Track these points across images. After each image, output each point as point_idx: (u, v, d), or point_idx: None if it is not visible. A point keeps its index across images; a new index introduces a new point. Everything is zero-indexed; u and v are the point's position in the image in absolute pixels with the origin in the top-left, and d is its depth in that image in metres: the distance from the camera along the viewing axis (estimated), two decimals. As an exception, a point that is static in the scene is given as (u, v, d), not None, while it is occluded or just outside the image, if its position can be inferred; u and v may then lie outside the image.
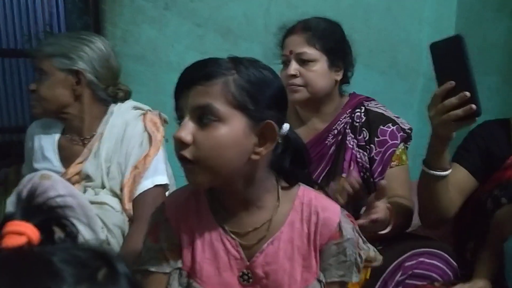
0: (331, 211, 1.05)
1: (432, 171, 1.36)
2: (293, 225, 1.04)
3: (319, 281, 1.04)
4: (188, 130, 0.92)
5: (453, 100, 1.21)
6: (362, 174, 1.57)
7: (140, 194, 1.55)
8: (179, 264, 1.05)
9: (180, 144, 0.92)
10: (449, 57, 1.23)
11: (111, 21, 2.13)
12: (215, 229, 1.04)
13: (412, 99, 2.60)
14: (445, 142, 1.31)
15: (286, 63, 1.58)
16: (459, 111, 1.20)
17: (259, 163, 0.99)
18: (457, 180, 1.44)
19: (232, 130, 0.93)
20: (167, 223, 1.05)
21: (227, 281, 1.04)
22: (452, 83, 1.21)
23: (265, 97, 0.96)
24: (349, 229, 1.05)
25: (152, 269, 1.05)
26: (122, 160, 1.58)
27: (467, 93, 1.18)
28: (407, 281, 1.38)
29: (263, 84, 0.96)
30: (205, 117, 0.92)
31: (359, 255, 1.07)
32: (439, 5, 2.57)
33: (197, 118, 0.93)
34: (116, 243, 1.50)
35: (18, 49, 4.86)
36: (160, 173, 1.60)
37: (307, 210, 1.04)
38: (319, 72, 1.55)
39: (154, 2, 2.15)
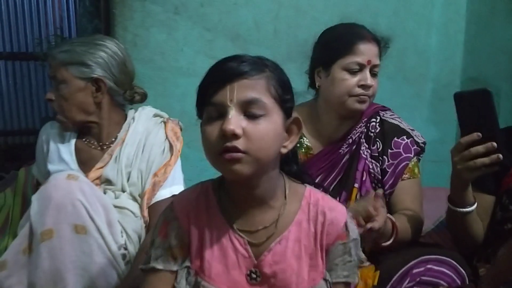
0: (338, 211, 1.07)
1: (459, 209, 1.39)
2: (301, 225, 1.05)
3: (326, 280, 1.05)
4: (237, 123, 0.93)
5: (480, 148, 1.28)
6: (373, 185, 1.57)
7: (157, 202, 1.57)
8: (187, 263, 1.06)
9: (231, 137, 0.93)
10: (475, 108, 1.30)
11: (122, 25, 2.15)
12: (224, 227, 1.05)
13: (419, 104, 2.60)
14: (467, 183, 1.36)
15: (355, 71, 1.53)
16: (485, 160, 1.27)
17: (277, 160, 1.03)
18: (482, 206, 1.46)
19: (275, 123, 0.97)
20: (176, 221, 1.06)
21: (235, 279, 1.04)
22: (479, 135, 1.28)
23: (291, 93, 1.02)
24: (355, 229, 1.07)
25: (160, 266, 1.06)
26: (143, 166, 1.59)
27: (495, 144, 1.26)
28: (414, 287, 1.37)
29: (288, 81, 1.03)
30: (253, 110, 0.95)
31: (359, 256, 1.09)
32: (447, 10, 2.57)
33: (244, 111, 0.95)
34: (133, 249, 1.50)
35: (29, 53, 4.89)
36: (177, 183, 1.61)
37: (314, 210, 1.06)
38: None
39: (164, 6, 2.17)
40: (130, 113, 1.68)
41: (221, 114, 0.95)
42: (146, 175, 1.59)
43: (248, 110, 0.95)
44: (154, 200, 1.58)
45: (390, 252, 1.46)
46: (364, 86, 1.52)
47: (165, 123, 1.67)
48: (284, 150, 1.02)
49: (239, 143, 0.93)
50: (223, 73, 0.96)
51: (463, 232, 1.45)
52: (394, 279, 1.38)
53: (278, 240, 1.04)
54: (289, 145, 1.02)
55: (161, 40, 2.18)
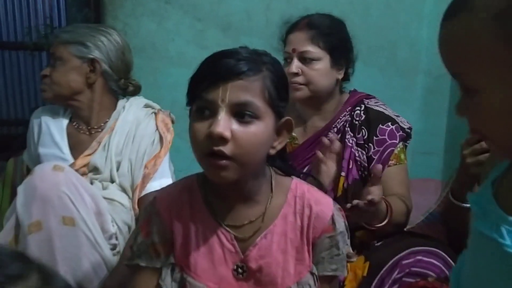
0: (324, 204, 1.06)
1: (463, 204, 1.38)
2: (286, 218, 1.04)
3: (312, 274, 1.05)
4: (227, 125, 0.90)
5: None
6: (360, 173, 1.57)
7: (145, 194, 1.56)
8: (171, 259, 1.05)
9: (218, 140, 0.89)
10: None
11: (112, 14, 2.12)
12: (210, 222, 1.04)
13: (411, 96, 2.60)
14: (475, 179, 1.33)
15: (287, 60, 1.58)
16: None
17: (265, 159, 1.01)
18: None
19: (267, 126, 0.94)
20: (159, 217, 1.04)
21: (222, 275, 1.03)
22: None
23: (286, 92, 1.00)
24: (341, 222, 1.06)
25: (143, 264, 1.04)
26: (133, 157, 1.58)
27: None
28: (404, 279, 1.37)
29: (285, 79, 1.00)
30: (245, 114, 0.91)
31: (345, 250, 1.08)
32: (439, 2, 2.56)
33: (234, 114, 0.91)
34: (122, 239, 1.50)
35: (18, 42, 4.84)
36: (167, 175, 1.61)
37: (300, 203, 1.04)
38: (322, 71, 1.55)
39: (155, -5, 2.15)
40: (121, 102, 1.67)
41: (211, 111, 0.92)
42: (136, 166, 1.58)
43: (240, 112, 0.91)
44: (144, 192, 1.57)
45: (379, 244, 1.47)
46: (290, 74, 1.52)
47: (156, 114, 1.66)
48: (272, 151, 0.99)
49: (226, 148, 0.90)
50: (218, 70, 0.92)
51: (462, 227, 1.44)
52: (383, 270, 1.38)
53: (264, 235, 1.03)
54: (278, 146, 1.00)
55: (152, 30, 2.16)
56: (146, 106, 1.69)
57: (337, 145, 1.43)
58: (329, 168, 1.43)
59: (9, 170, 1.80)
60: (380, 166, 1.35)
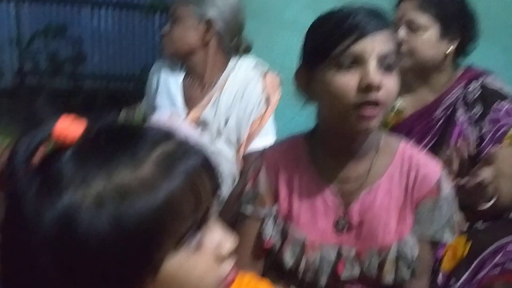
0: (432, 167, 1.06)
1: None
2: (392, 177, 1.05)
3: (413, 235, 1.05)
4: (379, 75, 0.95)
5: None
6: (469, 152, 1.51)
7: (249, 153, 1.62)
8: (274, 210, 1.09)
9: (375, 89, 0.94)
10: None
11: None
12: (314, 177, 1.08)
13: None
14: None
15: (396, 29, 1.53)
16: None
17: None
18: None
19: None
20: (265, 170, 1.10)
21: (323, 228, 1.07)
22: None
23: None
24: (448, 187, 1.05)
25: (248, 212, 1.10)
26: (240, 115, 1.65)
27: None
28: (506, 265, 1.32)
29: None
30: (390, 63, 0.97)
31: (454, 215, 1.06)
32: None
33: (380, 64, 0.96)
34: (226, 191, 1.56)
35: (134, 2, 5.09)
36: (270, 135, 1.66)
37: (407, 164, 1.05)
38: (427, 40, 1.49)
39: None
40: (233, 61, 1.73)
41: (359, 63, 0.96)
42: (242, 124, 1.64)
43: (384, 62, 0.96)
44: (248, 150, 1.63)
45: (484, 226, 1.42)
46: None
47: (264, 75, 1.71)
48: None
49: (380, 96, 0.95)
50: (365, 24, 0.96)
51: None
52: (486, 252, 1.34)
53: (368, 191, 1.05)
54: None
55: (270, -7, 2.18)
56: (256, 66, 1.74)
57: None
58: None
59: (121, 120, 1.94)
60: (494, 148, 1.29)
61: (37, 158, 0.50)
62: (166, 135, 0.54)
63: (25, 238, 0.48)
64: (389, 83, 0.96)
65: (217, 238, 0.54)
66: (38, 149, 0.50)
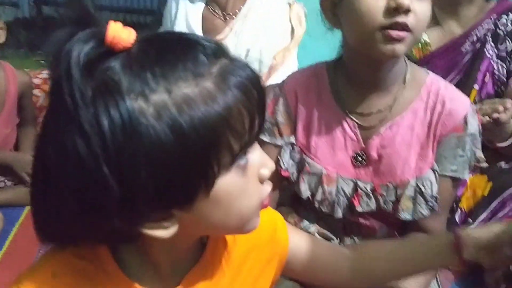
0: (460, 102, 1.01)
1: None
2: (416, 113, 1.01)
3: (434, 171, 1.02)
4: None
5: None
6: (496, 88, 1.45)
7: (270, 85, 1.57)
8: (292, 139, 1.08)
9: (404, 11, 0.88)
10: None
11: None
12: (334, 109, 1.04)
13: None
14: None
15: None
16: None
17: None
18: None
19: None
20: (284, 98, 1.07)
21: (341, 160, 1.05)
22: None
23: None
24: (475, 124, 1.01)
25: (266, 139, 1.08)
26: (263, 46, 1.60)
27: None
28: (527, 208, 1.31)
29: None
30: None
31: (475, 153, 1.03)
32: None
33: None
34: None
35: None
36: (292, 69, 1.61)
37: (433, 99, 1.01)
38: None
39: None
40: None
41: None
42: (265, 56, 1.60)
43: None
44: (268, 83, 1.59)
45: (507, 166, 1.39)
46: None
47: (290, 5, 1.64)
48: None
49: (409, 20, 0.89)
50: None
51: None
52: (506, 193, 1.32)
53: (389, 125, 1.02)
54: None
55: None
56: None
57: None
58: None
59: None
60: None
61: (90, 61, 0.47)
62: (220, 49, 0.53)
63: (83, 147, 0.46)
64: (421, 8, 0.90)
65: (259, 160, 0.56)
66: (94, 52, 0.47)
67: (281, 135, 1.08)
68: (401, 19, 0.88)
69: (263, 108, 0.54)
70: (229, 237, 0.67)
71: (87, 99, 0.46)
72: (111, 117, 0.46)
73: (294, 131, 1.08)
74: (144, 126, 0.46)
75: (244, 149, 0.53)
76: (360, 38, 0.95)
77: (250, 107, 0.51)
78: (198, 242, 0.64)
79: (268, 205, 0.60)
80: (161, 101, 0.47)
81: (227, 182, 0.52)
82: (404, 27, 0.89)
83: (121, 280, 0.58)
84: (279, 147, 1.08)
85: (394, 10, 0.88)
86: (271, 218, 0.73)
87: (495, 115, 1.18)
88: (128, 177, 0.47)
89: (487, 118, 1.19)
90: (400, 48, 0.91)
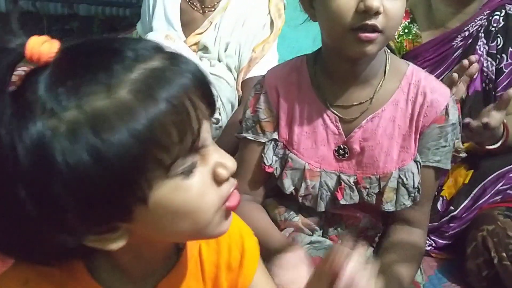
0: (440, 93, 1.01)
1: None
2: (397, 104, 1.02)
3: (416, 162, 1.03)
4: None
5: None
6: (484, 85, 1.42)
7: (250, 78, 1.57)
8: (275, 136, 1.07)
9: (373, 14, 0.87)
10: None
11: None
12: (316, 103, 1.04)
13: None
14: None
15: None
16: None
17: None
18: None
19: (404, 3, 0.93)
20: (265, 95, 1.07)
21: (323, 154, 1.05)
22: None
23: None
24: (456, 114, 1.02)
25: (250, 137, 1.09)
26: (242, 39, 1.59)
27: None
28: (508, 191, 1.32)
29: None
30: None
31: (456, 142, 1.04)
32: None
33: None
34: (225, 117, 1.55)
35: None
36: (272, 61, 1.60)
37: (414, 90, 1.01)
38: None
39: None
40: None
41: None
42: (244, 49, 1.58)
43: None
44: (248, 75, 1.58)
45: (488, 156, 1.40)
46: None
47: None
48: None
49: (379, 22, 0.88)
50: None
51: None
52: (487, 179, 1.34)
53: (371, 117, 1.02)
54: None
55: None
56: None
57: (475, 68, 1.28)
58: (458, 90, 1.29)
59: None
60: (511, 92, 1.18)
61: (14, 78, 0.46)
62: (152, 50, 0.49)
63: (2, 167, 0.44)
64: (392, 7, 0.89)
65: (213, 161, 0.52)
66: (13, 68, 0.46)
67: (264, 132, 1.08)
68: (370, 21, 0.88)
69: (211, 108, 0.51)
70: (204, 246, 0.65)
71: (6, 116, 0.44)
72: (24, 137, 0.44)
73: (276, 127, 1.08)
74: (58, 148, 0.44)
75: (184, 156, 0.49)
76: (333, 37, 0.95)
77: (179, 118, 0.47)
78: (174, 249, 0.62)
79: (237, 206, 0.56)
80: (74, 119, 0.44)
81: (168, 190, 0.49)
82: (374, 29, 0.88)
83: (91, 287, 0.57)
84: (263, 144, 1.08)
85: (364, 12, 0.87)
86: (250, 246, 0.69)
87: (485, 120, 1.18)
88: (47, 200, 0.45)
89: (477, 122, 1.18)
90: (371, 48, 0.91)
